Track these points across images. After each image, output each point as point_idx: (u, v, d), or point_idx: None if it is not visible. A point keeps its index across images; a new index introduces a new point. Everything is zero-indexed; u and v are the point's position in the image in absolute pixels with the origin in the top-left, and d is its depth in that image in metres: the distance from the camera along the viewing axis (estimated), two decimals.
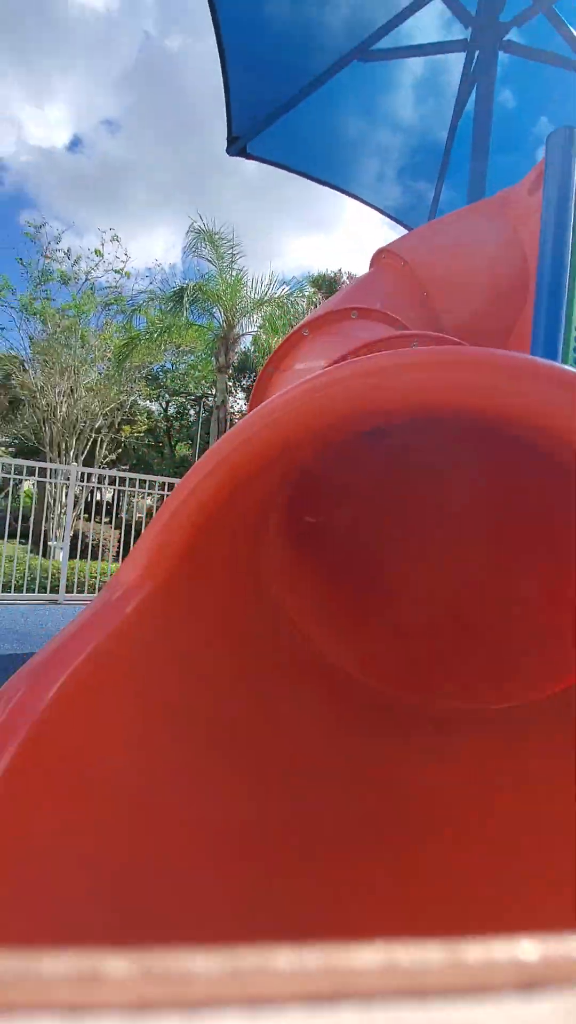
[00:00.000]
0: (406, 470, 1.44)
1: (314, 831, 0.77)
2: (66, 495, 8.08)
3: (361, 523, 1.43)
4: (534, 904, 0.65)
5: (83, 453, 15.97)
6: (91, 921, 0.50)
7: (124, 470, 16.06)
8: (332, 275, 22.95)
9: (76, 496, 7.57)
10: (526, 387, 0.51)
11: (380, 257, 1.94)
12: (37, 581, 7.13)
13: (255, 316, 13.97)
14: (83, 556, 9.10)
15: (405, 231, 5.35)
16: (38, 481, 10.07)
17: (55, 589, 7.13)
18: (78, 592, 7.29)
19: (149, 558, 0.60)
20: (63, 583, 7.06)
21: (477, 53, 3.73)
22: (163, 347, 15.35)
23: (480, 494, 1.23)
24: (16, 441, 19.13)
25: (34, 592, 7.02)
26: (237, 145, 4.73)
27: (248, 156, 4.85)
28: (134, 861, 0.56)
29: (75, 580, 7.43)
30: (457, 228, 1.88)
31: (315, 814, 0.79)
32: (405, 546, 1.35)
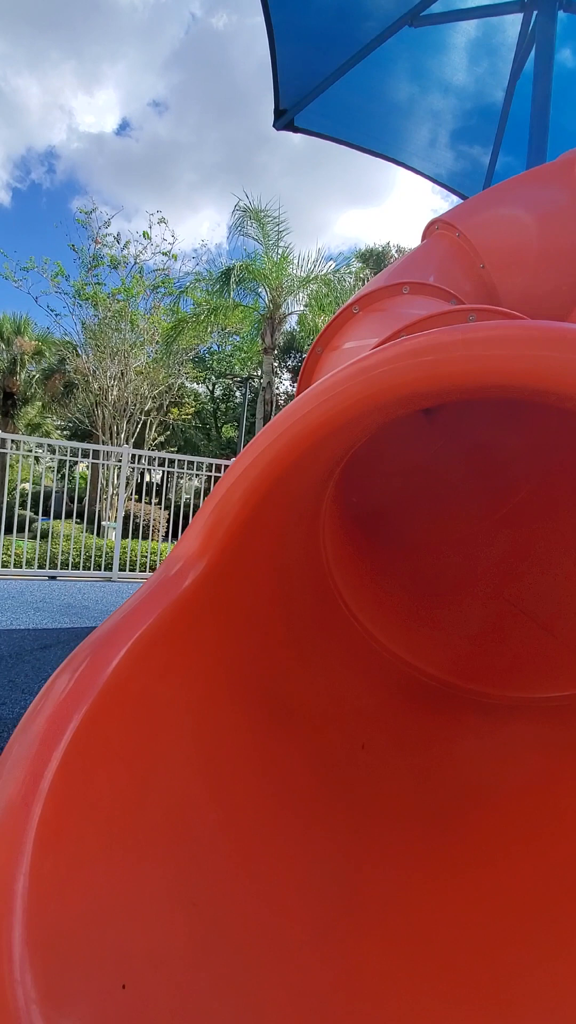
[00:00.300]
0: (460, 448, 1.40)
1: (366, 804, 0.78)
2: (118, 476, 8.32)
3: (413, 507, 1.41)
4: None
5: (133, 435, 16.37)
6: (156, 880, 0.53)
7: (172, 452, 16.38)
8: (380, 249, 22.33)
9: (127, 477, 7.80)
10: None
11: (433, 228, 1.87)
12: (92, 559, 7.42)
13: (301, 295, 13.82)
14: (134, 536, 9.39)
15: (457, 199, 5.13)
16: (92, 463, 10.42)
17: (109, 567, 7.41)
18: (130, 570, 7.57)
19: (205, 534, 0.61)
20: (116, 561, 7.32)
21: (536, 13, 3.50)
22: (209, 329, 15.44)
23: (538, 472, 1.19)
24: (71, 424, 19.80)
25: (90, 569, 7.32)
26: (284, 119, 4.64)
27: (296, 129, 4.76)
28: (197, 823, 0.59)
29: (127, 559, 7.70)
30: (516, 195, 1.78)
31: (368, 788, 0.80)
32: (458, 532, 1.33)
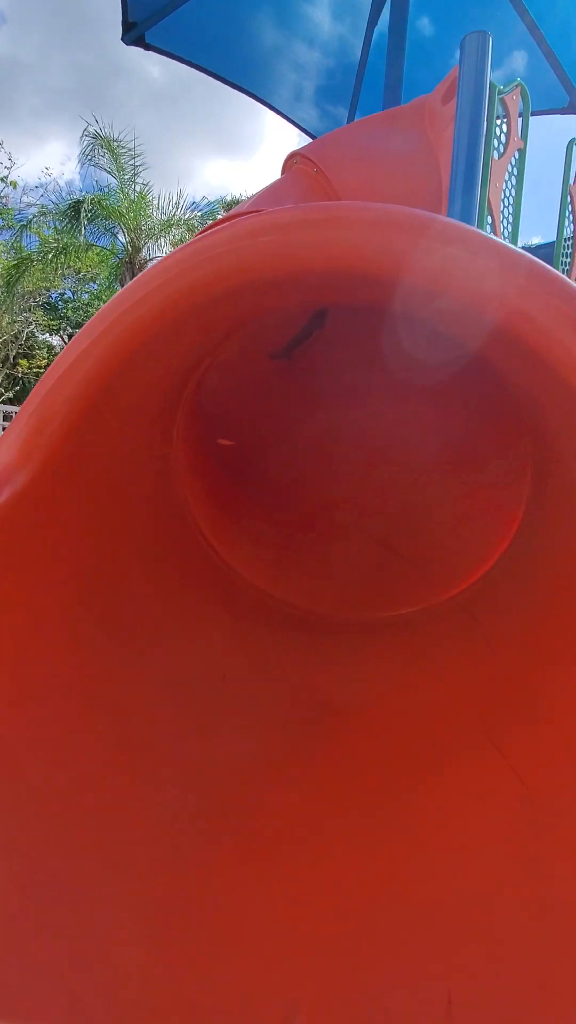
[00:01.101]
0: (315, 393, 1.42)
1: (227, 728, 0.76)
2: None
3: (273, 442, 1.40)
4: (453, 766, 0.69)
5: None
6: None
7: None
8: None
9: None
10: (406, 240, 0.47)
11: (291, 162, 1.82)
12: None
13: (163, 240, 12.98)
14: None
15: None
16: None
17: None
18: None
19: (24, 442, 0.52)
20: None
21: None
22: (60, 271, 13.94)
23: (389, 401, 1.23)
24: None
25: None
26: (134, 32, 4.18)
27: (147, 47, 4.31)
28: (22, 763, 0.53)
29: None
30: (372, 133, 1.78)
31: (229, 713, 0.79)
32: (315, 469, 1.35)
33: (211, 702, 0.81)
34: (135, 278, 0.54)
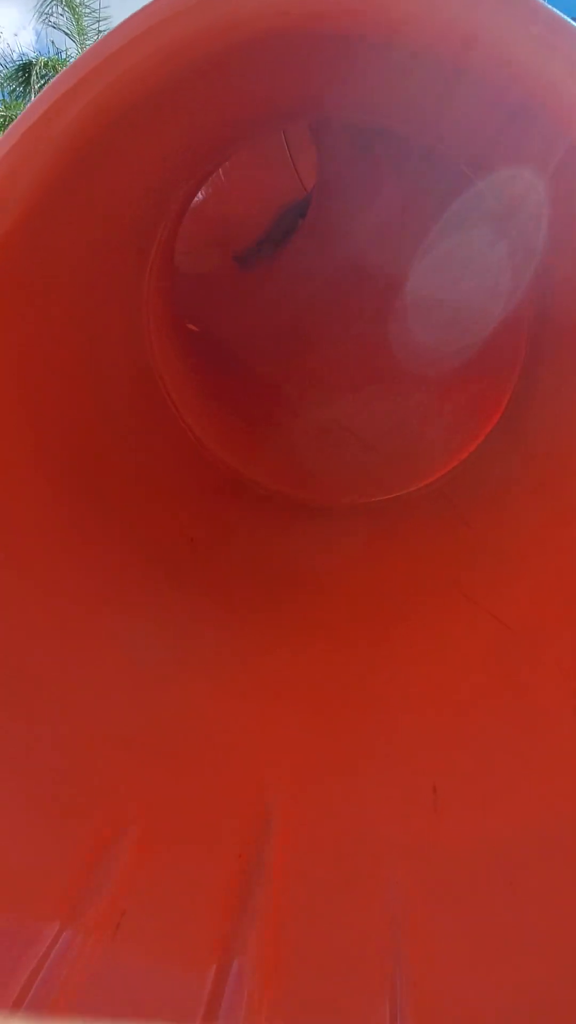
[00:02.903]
0: (292, 282, 1.34)
1: (197, 590, 0.75)
2: None
3: (247, 327, 1.32)
4: (427, 615, 0.69)
5: None
6: None
7: None
8: None
9: None
10: None
11: None
12: None
13: None
14: None
15: None
16: None
17: None
18: None
19: None
20: None
21: None
22: None
23: (372, 287, 1.17)
24: None
25: None
26: None
27: None
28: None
29: None
30: None
31: (199, 576, 0.77)
32: (291, 356, 1.29)
33: (179, 563, 0.78)
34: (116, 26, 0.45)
